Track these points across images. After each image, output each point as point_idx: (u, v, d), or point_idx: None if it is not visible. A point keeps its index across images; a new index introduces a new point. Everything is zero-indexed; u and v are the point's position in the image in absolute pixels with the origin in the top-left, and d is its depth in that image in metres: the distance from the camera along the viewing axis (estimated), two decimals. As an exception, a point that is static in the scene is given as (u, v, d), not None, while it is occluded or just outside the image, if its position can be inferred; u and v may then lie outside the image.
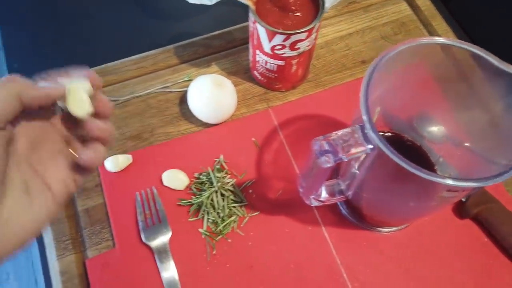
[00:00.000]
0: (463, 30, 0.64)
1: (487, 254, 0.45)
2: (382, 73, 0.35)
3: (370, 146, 0.30)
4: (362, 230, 0.46)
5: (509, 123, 0.33)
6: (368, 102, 0.30)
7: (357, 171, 0.37)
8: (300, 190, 0.39)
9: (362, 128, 0.31)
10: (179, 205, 0.46)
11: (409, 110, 0.44)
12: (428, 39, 0.34)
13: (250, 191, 0.48)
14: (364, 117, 0.30)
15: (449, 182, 0.26)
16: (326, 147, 0.31)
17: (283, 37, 0.44)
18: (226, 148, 0.50)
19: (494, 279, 0.44)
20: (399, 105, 0.44)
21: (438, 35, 0.59)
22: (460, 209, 0.46)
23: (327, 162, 0.31)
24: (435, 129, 0.43)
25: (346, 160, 0.31)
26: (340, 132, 0.31)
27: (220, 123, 0.51)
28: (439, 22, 0.60)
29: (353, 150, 0.31)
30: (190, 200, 0.46)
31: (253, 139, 0.51)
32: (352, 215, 0.46)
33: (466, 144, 0.41)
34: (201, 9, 0.61)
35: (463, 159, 0.41)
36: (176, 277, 0.42)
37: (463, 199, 0.46)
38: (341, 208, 0.47)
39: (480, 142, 0.38)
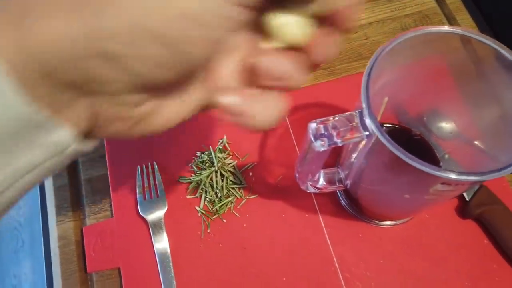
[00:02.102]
0: (491, 28, 0.61)
1: (487, 256, 0.43)
2: (392, 61, 0.34)
3: (367, 133, 0.30)
4: (359, 222, 0.45)
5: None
6: (369, 88, 0.29)
7: (355, 160, 0.36)
8: (296, 175, 0.39)
9: (361, 114, 0.30)
10: (179, 181, 0.47)
11: (420, 104, 0.43)
12: (441, 28, 0.32)
13: (251, 174, 0.47)
14: (363, 103, 0.29)
15: (439, 173, 0.25)
16: (322, 130, 0.31)
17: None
18: (230, 129, 0.50)
19: (491, 282, 0.42)
20: (411, 98, 0.42)
21: (461, 31, 0.56)
22: (463, 209, 0.44)
23: (322, 145, 0.30)
24: (445, 125, 0.42)
25: (340, 144, 0.30)
26: (337, 117, 0.30)
27: (227, 104, 0.51)
28: (464, 17, 0.58)
29: (349, 136, 0.30)
30: (189, 178, 0.46)
31: (258, 122, 0.50)
32: (350, 206, 0.45)
33: (475, 141, 0.39)
34: None
35: (470, 156, 0.39)
36: (168, 250, 0.43)
37: (467, 199, 0.44)
38: (340, 198, 0.46)
39: (490, 140, 0.37)
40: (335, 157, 0.46)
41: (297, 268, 0.43)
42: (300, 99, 0.52)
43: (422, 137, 0.43)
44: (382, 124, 0.43)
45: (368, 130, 0.29)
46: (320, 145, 0.30)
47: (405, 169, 0.28)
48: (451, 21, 0.58)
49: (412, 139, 0.43)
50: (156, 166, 0.47)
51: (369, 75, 0.30)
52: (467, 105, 0.40)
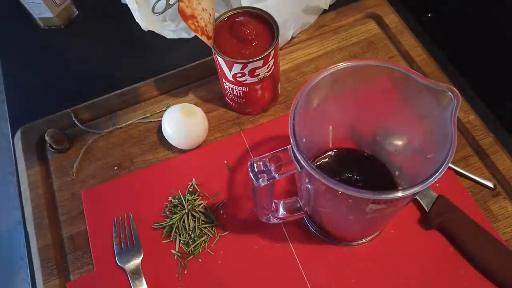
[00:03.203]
0: (436, 44, 0.65)
1: (454, 264, 0.45)
2: (323, 94, 0.38)
3: (300, 165, 0.32)
4: (328, 245, 0.47)
5: (439, 131, 0.34)
6: (295, 126, 0.33)
7: (305, 189, 0.39)
8: (254, 210, 0.41)
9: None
10: (153, 228, 0.49)
11: (368, 126, 0.46)
12: (355, 62, 0.36)
13: (221, 211, 0.50)
14: (291, 140, 0.32)
15: (352, 192, 0.28)
16: (262, 167, 0.33)
17: (240, 65, 0.47)
18: (199, 171, 0.53)
19: (460, 289, 0.44)
20: (358, 122, 0.46)
21: (406, 51, 0.60)
22: (424, 220, 0.46)
23: (262, 181, 0.33)
24: (390, 142, 0.45)
25: (278, 178, 0.33)
26: (273, 153, 0.33)
27: (195, 148, 0.54)
28: (407, 38, 0.62)
29: (285, 169, 0.33)
30: (162, 223, 0.49)
31: (225, 162, 0.53)
32: (318, 231, 0.47)
33: (421, 151, 0.41)
34: (182, 42, 0.65)
35: (419, 166, 0.42)
36: (149, 296, 0.45)
37: (426, 210, 0.46)
38: (308, 224, 0.48)
39: (427, 150, 0.39)
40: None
41: (274, 297, 0.45)
42: (261, 134, 0.55)
43: (374, 156, 0.46)
44: (335, 148, 0.46)
45: (300, 162, 0.32)
46: (261, 181, 0.33)
47: (336, 193, 0.31)
48: (396, 43, 0.62)
49: (364, 159, 0.46)
50: (131, 216, 0.50)
51: (294, 114, 0.33)
52: (406, 120, 0.43)
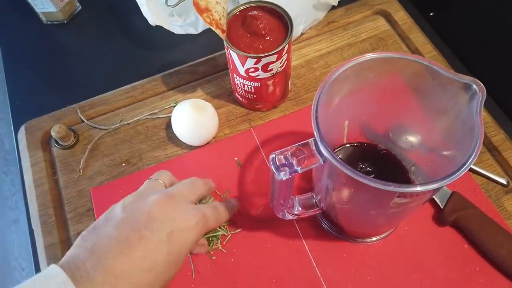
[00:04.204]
0: (443, 41, 0.65)
1: (469, 261, 0.45)
2: (342, 88, 0.37)
3: (323, 158, 0.32)
4: (342, 242, 0.46)
5: (460, 126, 0.33)
6: (318, 118, 0.32)
7: (324, 184, 0.38)
8: (271, 205, 0.41)
9: (315, 141, 0.32)
10: (164, 225, 0.48)
11: (384, 121, 0.45)
12: (378, 54, 0.35)
13: (233, 208, 0.49)
14: (315, 132, 0.31)
15: (381, 186, 0.28)
16: (283, 161, 0.33)
17: (254, 60, 0.46)
18: (209, 168, 0.52)
19: (476, 285, 0.43)
20: (373, 117, 0.45)
21: (416, 48, 0.60)
22: (439, 216, 0.46)
23: (284, 175, 0.32)
24: (406, 138, 0.44)
25: (300, 172, 0.32)
26: (295, 146, 0.33)
27: (204, 145, 0.54)
28: (416, 35, 0.61)
29: (307, 163, 0.32)
30: (173, 220, 0.48)
31: (235, 158, 0.52)
32: (331, 227, 0.47)
33: (437, 148, 0.41)
34: (188, 38, 0.64)
35: (435, 163, 0.41)
36: (161, 295, 0.44)
37: (441, 206, 0.46)
38: (321, 221, 0.48)
39: (448, 144, 0.39)
40: (311, 182, 0.48)
41: (288, 295, 0.44)
42: (271, 130, 0.54)
43: (389, 151, 0.45)
44: (349, 144, 0.46)
45: (323, 156, 0.32)
46: (282, 175, 0.33)
47: (360, 186, 0.30)
48: (406, 40, 0.61)
49: (379, 155, 0.46)
50: (141, 213, 0.48)
51: (316, 107, 0.32)
52: (423, 117, 0.42)
